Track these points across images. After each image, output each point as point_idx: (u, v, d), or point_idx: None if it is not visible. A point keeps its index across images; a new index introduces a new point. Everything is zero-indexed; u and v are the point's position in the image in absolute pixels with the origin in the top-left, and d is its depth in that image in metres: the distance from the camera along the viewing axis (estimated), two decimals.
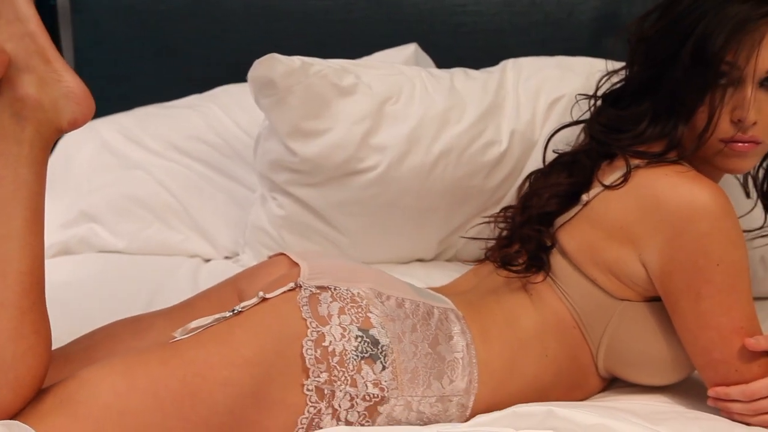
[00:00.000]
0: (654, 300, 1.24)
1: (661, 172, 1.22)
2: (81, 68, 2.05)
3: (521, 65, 1.69)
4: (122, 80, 2.05)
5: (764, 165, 1.38)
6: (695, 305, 1.17)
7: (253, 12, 2.02)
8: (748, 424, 1.17)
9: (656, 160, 1.23)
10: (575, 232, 1.27)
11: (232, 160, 1.83)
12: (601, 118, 1.33)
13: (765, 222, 1.41)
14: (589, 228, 1.26)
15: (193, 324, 1.14)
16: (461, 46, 1.97)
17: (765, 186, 1.38)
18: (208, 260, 1.83)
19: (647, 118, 1.26)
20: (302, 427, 1.11)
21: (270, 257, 1.39)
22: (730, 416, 1.19)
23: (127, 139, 1.85)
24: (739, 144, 1.21)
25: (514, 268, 1.29)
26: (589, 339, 1.27)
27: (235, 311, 1.14)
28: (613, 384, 1.35)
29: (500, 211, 1.42)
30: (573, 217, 1.28)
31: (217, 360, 1.08)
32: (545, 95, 1.64)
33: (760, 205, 1.42)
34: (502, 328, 1.26)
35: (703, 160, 1.25)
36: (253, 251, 1.72)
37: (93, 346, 1.23)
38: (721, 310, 1.17)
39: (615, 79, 1.39)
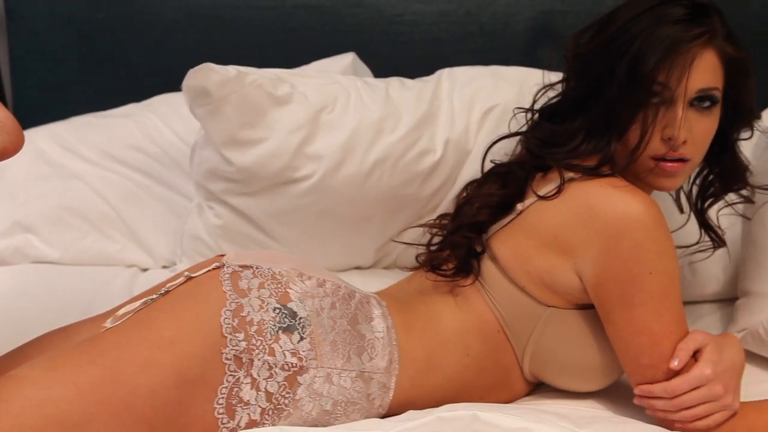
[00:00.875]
0: (581, 308, 1.27)
1: (596, 184, 1.24)
2: (17, 77, 2.03)
3: (456, 75, 1.71)
4: (59, 89, 2.03)
5: (697, 182, 1.40)
6: (628, 312, 1.20)
7: (192, 21, 2.01)
8: (671, 425, 1.20)
9: (589, 174, 1.25)
10: (508, 240, 1.30)
11: (170, 170, 1.83)
12: (538, 132, 1.35)
13: (700, 238, 1.44)
14: (523, 237, 1.28)
15: (122, 311, 1.17)
16: (399, 56, 1.99)
17: (699, 204, 1.42)
18: (145, 270, 1.82)
19: (582, 134, 1.28)
20: (222, 397, 1.12)
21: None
22: (655, 414, 1.21)
23: (64, 148, 1.83)
24: (669, 164, 1.24)
25: (442, 272, 1.31)
26: (515, 343, 1.30)
27: (162, 292, 1.18)
28: (542, 387, 1.37)
29: (436, 219, 1.44)
30: (506, 225, 1.31)
31: (138, 343, 1.10)
32: (479, 104, 1.66)
33: (694, 220, 1.44)
34: (424, 323, 1.29)
35: (635, 177, 1.28)
36: (190, 261, 1.71)
37: (22, 355, 1.23)
38: (654, 317, 1.20)
39: (551, 92, 1.41)
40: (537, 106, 1.39)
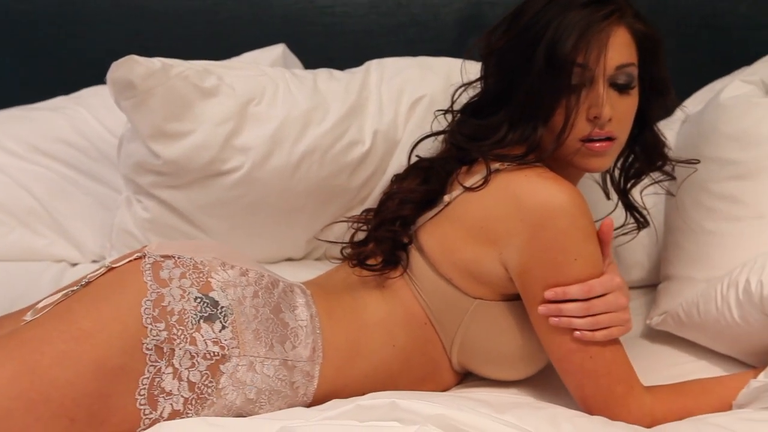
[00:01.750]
0: (508, 299, 1.29)
1: (521, 174, 1.26)
2: None
3: (384, 66, 1.72)
4: None
5: (619, 165, 1.43)
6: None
7: (119, 12, 1.99)
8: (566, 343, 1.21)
9: (516, 162, 1.27)
10: (435, 231, 1.31)
11: (99, 163, 1.81)
12: (463, 129, 1.36)
13: (626, 220, 1.47)
14: (450, 228, 1.29)
15: (42, 304, 1.17)
16: (330, 47, 1.99)
17: (622, 184, 1.44)
18: (74, 264, 1.80)
19: (506, 125, 1.29)
20: (144, 387, 1.12)
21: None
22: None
23: None
24: (597, 144, 1.26)
25: (368, 267, 1.32)
26: (443, 335, 1.31)
27: (83, 284, 1.18)
28: (471, 376, 1.39)
29: (361, 213, 1.44)
30: (434, 217, 1.32)
31: (56, 335, 1.10)
32: (407, 95, 1.67)
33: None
34: (348, 312, 1.30)
35: (564, 162, 1.30)
36: (119, 254, 1.68)
37: None
38: None
39: (472, 89, 1.41)
40: (458, 104, 1.40)
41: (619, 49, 1.25)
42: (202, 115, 1.57)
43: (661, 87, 1.33)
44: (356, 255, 1.34)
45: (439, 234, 1.30)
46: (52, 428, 1.08)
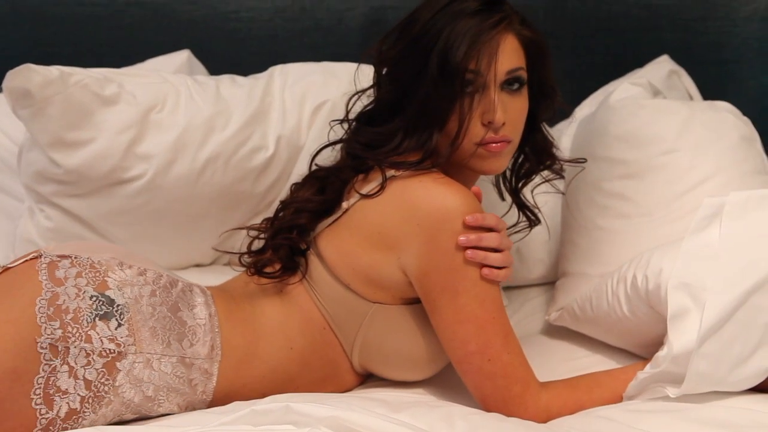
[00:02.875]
0: (406, 303, 1.31)
1: (416, 180, 1.28)
2: None
3: (288, 71, 1.73)
4: None
5: (510, 165, 1.46)
6: (453, 301, 1.25)
7: (20, 17, 1.97)
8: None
9: (412, 169, 1.28)
10: (334, 238, 1.32)
11: (1, 171, 1.79)
12: (359, 137, 1.37)
13: (519, 219, 1.51)
14: (348, 235, 1.31)
15: None
16: (235, 53, 2.00)
17: (513, 184, 1.48)
18: None
19: (401, 132, 1.31)
20: (39, 387, 1.12)
21: None
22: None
23: None
24: (493, 145, 1.29)
25: (266, 275, 1.33)
26: (342, 339, 1.33)
27: None
28: (373, 376, 1.41)
29: (261, 222, 1.43)
30: (332, 224, 1.33)
31: None
32: (310, 101, 1.68)
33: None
34: (246, 314, 1.32)
35: (460, 166, 1.32)
36: None
37: None
38: (477, 303, 1.25)
39: (366, 97, 1.43)
40: (352, 112, 1.41)
41: (509, 55, 1.28)
42: (102, 123, 1.56)
43: (548, 90, 1.37)
44: (254, 263, 1.35)
45: (338, 241, 1.32)
46: None
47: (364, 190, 1.31)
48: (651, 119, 1.51)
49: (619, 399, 1.31)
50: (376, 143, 1.34)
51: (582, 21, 2.03)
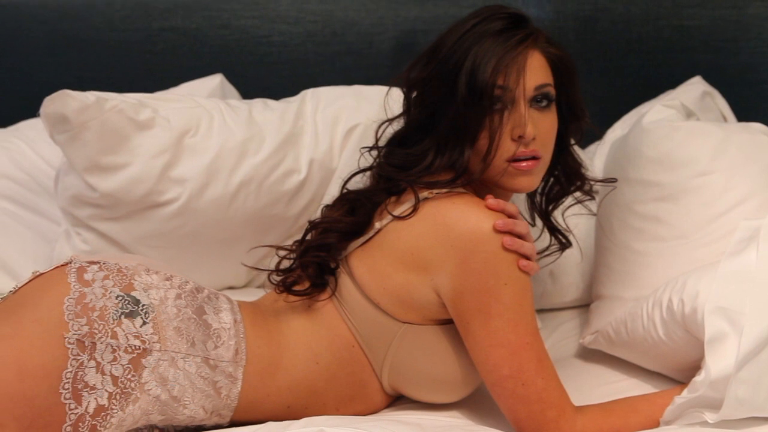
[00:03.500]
0: (437, 323, 1.31)
1: (449, 202, 1.28)
2: None
3: (319, 95, 1.74)
4: None
5: (539, 189, 1.46)
6: (486, 324, 1.24)
7: (56, 43, 2.00)
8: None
9: (446, 187, 1.29)
10: (366, 258, 1.33)
11: (38, 195, 1.81)
12: (391, 160, 1.38)
13: (550, 242, 1.50)
14: (380, 255, 1.31)
15: None
16: (267, 77, 2.02)
17: (543, 206, 1.48)
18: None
19: (432, 151, 1.32)
20: (67, 381, 1.14)
21: None
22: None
23: None
24: (523, 163, 1.29)
25: (295, 292, 1.34)
26: (372, 358, 1.33)
27: (12, 291, 1.23)
28: (403, 397, 1.40)
29: (292, 244, 1.43)
30: (364, 243, 1.34)
31: None
32: (342, 124, 1.69)
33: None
34: (272, 326, 1.33)
35: (491, 185, 1.33)
36: None
37: None
38: (510, 327, 1.24)
39: (396, 123, 1.44)
40: (382, 139, 1.42)
41: (536, 71, 1.30)
42: (137, 147, 1.58)
43: (576, 110, 1.38)
44: (283, 281, 1.36)
45: (370, 261, 1.32)
46: None
47: (397, 212, 1.31)
48: (685, 141, 1.50)
49: (655, 424, 1.30)
50: (408, 164, 1.34)
51: (613, 42, 2.02)
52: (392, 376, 1.34)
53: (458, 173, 1.30)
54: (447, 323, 1.31)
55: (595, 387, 1.46)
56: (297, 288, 1.35)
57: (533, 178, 1.32)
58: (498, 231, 1.24)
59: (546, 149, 1.32)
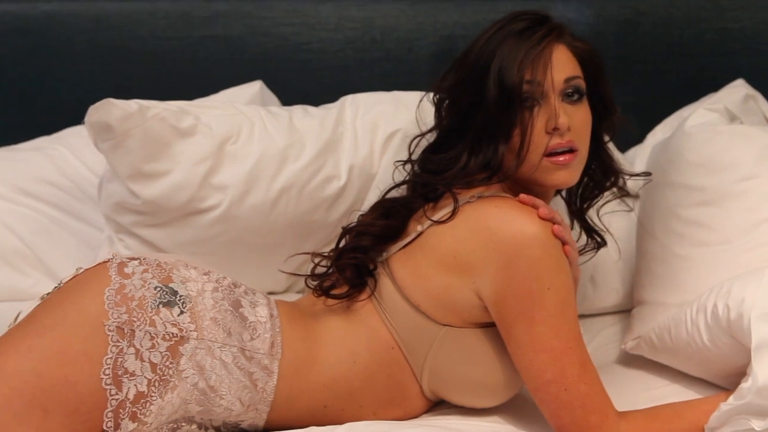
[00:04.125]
0: (478, 326, 1.31)
1: (492, 205, 1.29)
2: None
3: (358, 101, 1.75)
4: None
5: (573, 189, 1.47)
6: (529, 329, 1.24)
7: (99, 53, 2.03)
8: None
9: (483, 185, 1.31)
10: (408, 261, 1.33)
11: (82, 202, 1.84)
12: (427, 166, 1.40)
13: (586, 243, 1.50)
14: (422, 257, 1.32)
15: (24, 311, 1.26)
16: (307, 83, 2.03)
17: (578, 204, 1.48)
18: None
19: (466, 153, 1.34)
20: (108, 367, 1.17)
21: None
22: (560, 233, 1.26)
23: None
24: (560, 157, 1.30)
25: (333, 296, 1.35)
26: (411, 361, 1.33)
27: (56, 287, 1.28)
28: (443, 403, 1.40)
29: (329, 251, 1.44)
30: (406, 246, 1.34)
31: (21, 336, 1.19)
32: (382, 130, 1.70)
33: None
34: (309, 324, 1.35)
35: (530, 183, 1.33)
36: None
37: None
38: (553, 333, 1.24)
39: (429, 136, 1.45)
40: (415, 153, 1.44)
41: (563, 64, 1.32)
42: (179, 155, 1.60)
43: (608, 104, 1.38)
44: (320, 285, 1.37)
45: (412, 263, 1.32)
46: (27, 422, 1.13)
47: (436, 217, 1.32)
48: (728, 145, 1.49)
49: (700, 431, 1.29)
50: (443, 168, 1.36)
51: (653, 46, 2.01)
52: (432, 380, 1.34)
53: (494, 171, 1.32)
54: (488, 326, 1.31)
55: (637, 393, 1.45)
56: (335, 292, 1.35)
57: (571, 172, 1.33)
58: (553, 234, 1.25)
59: (582, 142, 1.33)
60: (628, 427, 1.27)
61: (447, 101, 1.40)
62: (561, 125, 1.29)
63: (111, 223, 1.68)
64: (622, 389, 1.43)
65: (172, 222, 1.63)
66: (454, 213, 1.30)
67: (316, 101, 1.81)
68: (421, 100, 1.49)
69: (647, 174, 1.49)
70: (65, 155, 1.86)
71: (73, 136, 1.90)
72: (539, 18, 1.34)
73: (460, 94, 1.35)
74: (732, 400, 1.26)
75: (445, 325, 1.30)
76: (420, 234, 1.33)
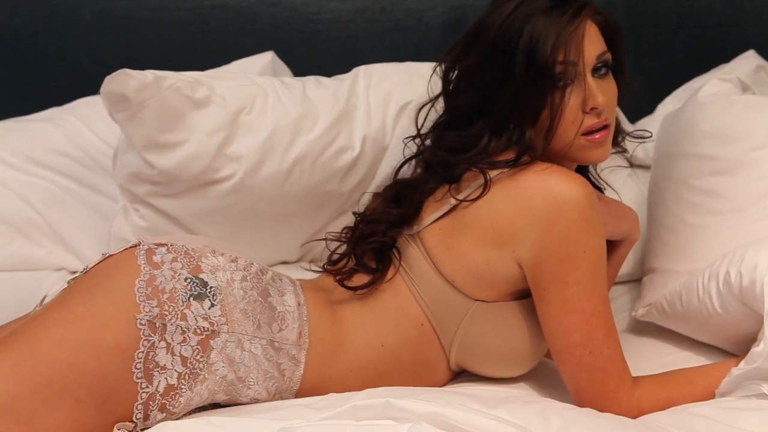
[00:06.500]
0: (508, 300, 1.32)
1: (528, 172, 1.28)
2: None
3: (372, 72, 1.75)
4: None
5: None
6: (562, 291, 1.25)
7: (110, 23, 2.03)
8: None
9: (511, 166, 1.29)
10: (445, 237, 1.33)
11: (95, 172, 1.84)
12: (443, 143, 1.38)
13: None
14: (460, 235, 1.31)
15: (50, 294, 1.25)
16: (317, 54, 2.03)
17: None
18: (74, 272, 1.81)
19: (487, 133, 1.32)
20: (139, 361, 1.17)
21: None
22: None
23: None
24: (597, 135, 1.29)
25: (353, 288, 1.35)
26: (442, 336, 1.34)
27: (83, 271, 1.27)
28: (463, 373, 1.42)
29: (341, 231, 1.46)
30: (440, 218, 1.34)
31: (52, 322, 1.17)
32: (395, 101, 1.70)
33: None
34: (336, 308, 1.35)
35: (561, 158, 1.32)
36: None
37: None
38: (585, 295, 1.25)
39: (431, 108, 1.43)
40: (423, 127, 1.43)
41: (594, 41, 1.30)
42: (194, 125, 1.60)
43: (623, 68, 1.37)
44: (340, 280, 1.36)
45: (450, 241, 1.32)
46: (58, 410, 1.13)
47: (462, 195, 1.31)
48: (742, 115, 1.50)
49: (711, 396, 1.31)
50: (462, 146, 1.34)
51: (663, 17, 2.01)
52: (460, 353, 1.35)
53: (522, 152, 1.29)
54: (519, 299, 1.32)
55: (648, 360, 1.47)
56: (357, 282, 1.35)
57: (606, 149, 1.32)
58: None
59: (613, 115, 1.33)
60: (641, 393, 1.29)
61: (463, 76, 1.36)
62: (600, 105, 1.27)
63: (126, 193, 1.69)
64: (633, 356, 1.43)
65: (186, 192, 1.64)
66: (486, 187, 1.29)
67: (325, 71, 1.82)
68: (432, 74, 1.46)
69: (648, 133, 1.45)
70: (77, 126, 1.86)
71: (84, 107, 1.90)
72: None
73: (481, 72, 1.32)
74: (743, 365, 1.28)
75: (476, 300, 1.31)
76: (453, 207, 1.32)
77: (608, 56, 1.31)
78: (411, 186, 1.39)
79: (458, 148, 1.35)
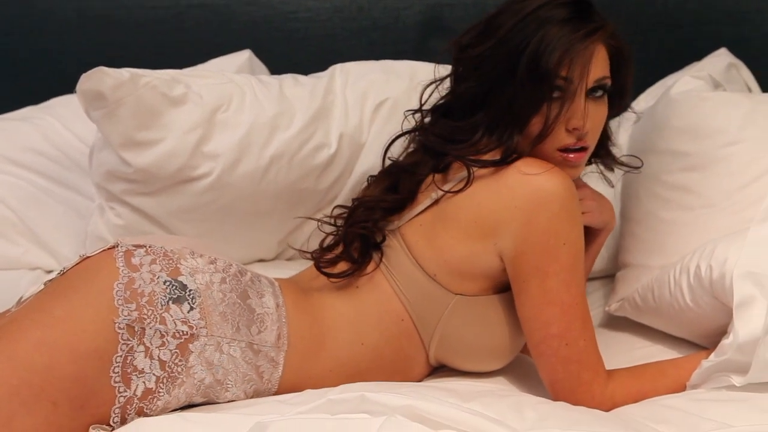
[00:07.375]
0: (488, 293, 1.34)
1: (509, 166, 1.29)
2: None
3: (348, 70, 1.76)
4: None
5: None
6: (542, 283, 1.27)
7: (86, 22, 2.02)
8: None
9: (497, 165, 1.29)
10: (426, 231, 1.34)
11: (71, 171, 1.84)
12: (437, 129, 1.38)
13: None
14: (441, 228, 1.32)
15: (25, 297, 1.23)
16: (295, 52, 2.04)
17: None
18: (50, 272, 1.82)
19: (482, 128, 1.32)
20: (117, 365, 1.17)
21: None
22: None
23: None
24: (572, 155, 1.30)
25: (335, 275, 1.35)
26: (422, 330, 1.35)
27: (60, 272, 1.25)
28: (443, 368, 1.43)
29: (333, 209, 1.47)
30: (420, 214, 1.35)
31: (30, 324, 1.16)
32: (371, 98, 1.71)
33: None
34: (315, 307, 1.35)
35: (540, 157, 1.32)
36: None
37: None
38: (564, 287, 1.27)
39: (439, 88, 1.43)
40: (426, 103, 1.43)
41: (600, 65, 1.29)
42: (171, 123, 1.61)
43: (625, 96, 1.38)
44: (318, 266, 1.37)
45: (431, 234, 1.33)
46: (36, 412, 1.12)
47: (447, 187, 1.32)
48: (713, 112, 1.52)
49: (682, 388, 1.33)
50: (453, 137, 1.35)
51: (637, 15, 2.03)
52: (440, 348, 1.36)
53: (507, 153, 1.30)
54: (498, 292, 1.33)
55: (621, 353, 1.49)
56: (338, 269, 1.36)
57: (578, 170, 1.34)
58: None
59: (594, 140, 1.34)
60: (614, 385, 1.31)
61: (471, 63, 1.34)
62: (583, 129, 1.28)
63: (102, 192, 1.69)
64: (607, 350, 1.45)
65: (163, 190, 1.64)
66: (469, 181, 1.30)
67: (303, 70, 1.82)
68: (433, 84, 1.44)
69: (639, 162, 1.46)
70: (53, 124, 1.86)
71: (60, 106, 1.90)
72: (582, 6, 1.29)
73: (487, 66, 1.31)
74: (713, 357, 1.30)
75: (456, 294, 1.32)
76: (435, 202, 1.34)
77: (607, 81, 1.31)
78: (407, 171, 1.40)
79: (450, 139, 1.35)
